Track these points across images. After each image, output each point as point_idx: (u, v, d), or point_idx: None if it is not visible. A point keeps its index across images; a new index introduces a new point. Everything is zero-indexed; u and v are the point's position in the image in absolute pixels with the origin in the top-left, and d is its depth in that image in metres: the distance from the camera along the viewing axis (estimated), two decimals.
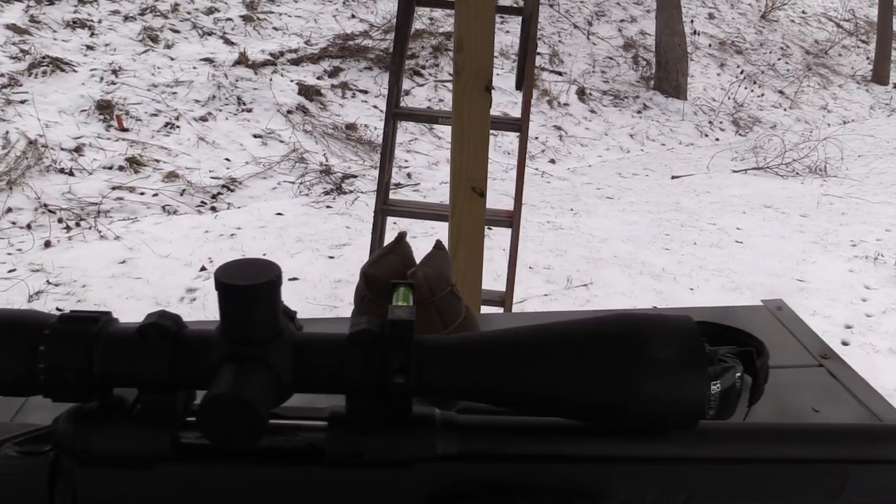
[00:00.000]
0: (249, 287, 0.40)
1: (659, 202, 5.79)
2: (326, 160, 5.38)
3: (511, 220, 2.37)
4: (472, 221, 2.18)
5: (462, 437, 0.44)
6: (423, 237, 4.41)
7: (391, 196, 2.31)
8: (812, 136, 7.58)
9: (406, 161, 5.87)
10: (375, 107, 6.30)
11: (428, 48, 7.07)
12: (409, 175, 5.74)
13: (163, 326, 0.41)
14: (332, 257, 4.20)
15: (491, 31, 1.88)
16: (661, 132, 7.69)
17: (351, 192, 5.21)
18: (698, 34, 9.46)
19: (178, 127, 5.21)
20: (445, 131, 6.24)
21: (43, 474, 0.43)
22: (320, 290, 3.77)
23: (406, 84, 6.71)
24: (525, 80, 2.09)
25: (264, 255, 4.06)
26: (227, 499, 0.44)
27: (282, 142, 5.44)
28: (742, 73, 9.10)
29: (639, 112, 7.90)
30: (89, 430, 0.43)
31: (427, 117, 2.52)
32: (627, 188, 6.12)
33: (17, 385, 0.42)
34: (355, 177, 5.41)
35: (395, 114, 2.11)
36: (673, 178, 6.48)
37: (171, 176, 4.76)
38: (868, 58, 10.27)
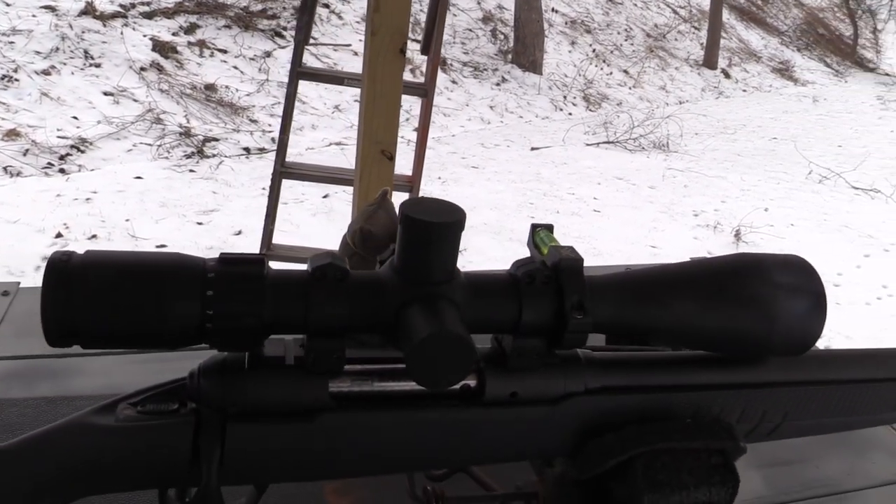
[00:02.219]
0: (442, 224, 0.39)
1: (521, 172, 6.00)
2: (188, 122, 5.09)
3: (411, 184, 2.37)
4: (381, 185, 2.16)
5: (605, 373, 0.46)
6: (307, 201, 4.31)
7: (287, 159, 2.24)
8: (654, 114, 8.12)
9: (270, 126, 5.68)
10: (236, 67, 6.03)
11: (290, 9, 6.83)
12: (273, 140, 5.55)
13: (339, 267, 0.40)
14: (200, 223, 4.01)
15: None
16: (519, 105, 7.93)
17: (214, 155, 4.98)
18: (556, 11, 9.79)
19: (16, 80, 4.72)
20: (310, 96, 6.08)
21: (186, 434, 0.40)
22: None
23: (267, 45, 6.47)
24: (433, 44, 2.09)
25: (127, 220, 3.82)
26: (382, 446, 0.43)
27: (136, 101, 5.08)
28: (594, 51, 9.54)
29: (497, 84, 8.09)
30: (242, 382, 0.41)
31: (332, 78, 2.46)
32: (491, 158, 6.29)
33: (181, 335, 0.38)
34: (217, 140, 5.17)
35: (300, 73, 2.05)
36: (532, 149, 6.73)
37: (12, 134, 4.31)
38: (701, 43, 11.10)
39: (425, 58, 2.57)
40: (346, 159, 5.27)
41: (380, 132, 2.07)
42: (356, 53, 6.94)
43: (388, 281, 0.41)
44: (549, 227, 0.48)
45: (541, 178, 5.92)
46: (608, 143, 7.16)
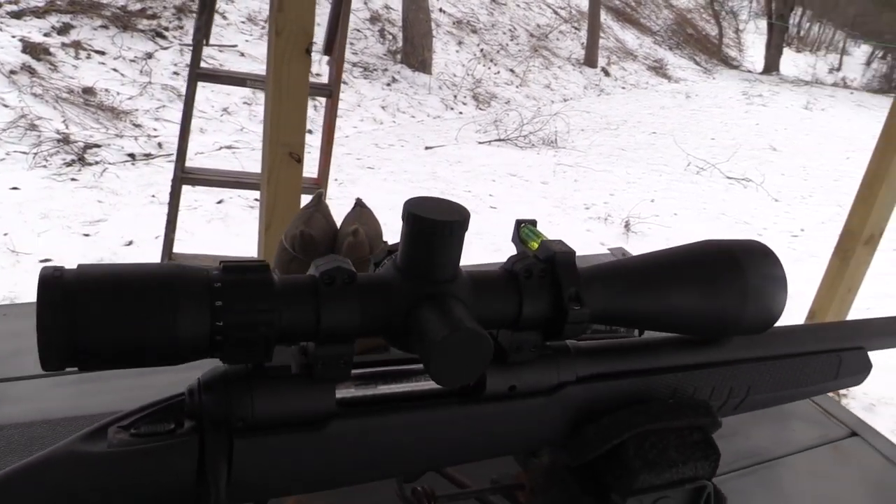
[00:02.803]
0: (449, 223, 0.40)
1: (417, 172, 6.03)
2: (66, 127, 4.80)
3: (318, 186, 2.35)
4: (290, 188, 2.13)
5: (593, 361, 0.48)
6: (200, 208, 4.16)
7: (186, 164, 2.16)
8: (542, 112, 8.35)
9: (155, 130, 5.44)
10: (115, 70, 5.73)
11: (171, 8, 6.56)
12: (160, 145, 5.33)
13: (347, 271, 0.39)
14: (87, 235, 3.80)
15: None
16: (411, 105, 7.95)
17: (97, 162, 4.72)
18: (443, 12, 9.88)
19: None
20: (196, 99, 5.86)
21: (189, 454, 0.38)
22: None
23: (148, 46, 6.19)
24: (337, 43, 2.07)
25: (5, 234, 3.56)
26: (390, 449, 0.43)
27: (6, 106, 4.74)
28: (481, 51, 9.70)
29: (388, 85, 8.08)
30: (247, 395, 0.39)
31: (234, 79, 2.38)
32: (386, 158, 6.28)
33: (191, 350, 0.36)
34: (99, 146, 4.91)
35: (199, 74, 1.97)
36: (426, 148, 6.77)
37: None
38: (581, 43, 11.50)
39: (326, 58, 2.53)
40: (238, 163, 5.12)
41: (287, 134, 2.03)
42: (242, 54, 6.76)
43: (394, 282, 0.41)
44: (533, 223, 0.50)
45: (437, 176, 5.97)
46: (499, 140, 7.30)
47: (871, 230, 3.07)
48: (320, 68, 5.59)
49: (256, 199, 4.35)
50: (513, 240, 0.49)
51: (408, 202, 0.41)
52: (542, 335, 0.45)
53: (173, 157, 5.21)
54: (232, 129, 5.79)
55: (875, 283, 3.50)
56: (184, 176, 2.15)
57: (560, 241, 0.46)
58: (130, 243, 3.73)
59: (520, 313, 0.43)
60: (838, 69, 17.76)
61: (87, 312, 0.35)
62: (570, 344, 0.49)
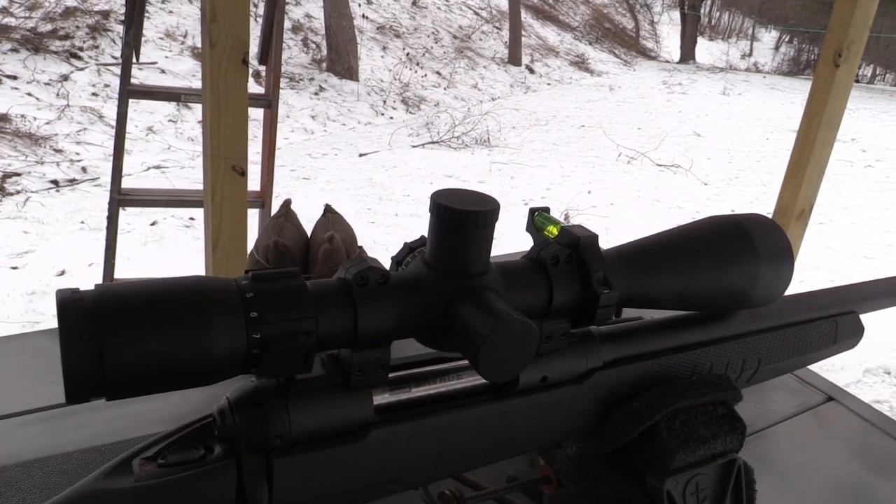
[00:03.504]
0: (481, 213, 0.38)
1: (353, 179, 5.98)
2: None
3: (262, 199, 2.30)
4: (235, 202, 2.07)
5: (616, 345, 0.48)
6: (134, 231, 4.02)
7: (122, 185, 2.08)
8: (472, 112, 8.40)
9: (78, 154, 5.24)
10: (30, 94, 5.50)
11: (84, 28, 6.33)
12: (84, 169, 5.14)
13: (379, 271, 0.37)
14: (15, 268, 3.63)
15: None
16: (341, 112, 7.89)
17: (18, 192, 4.51)
18: (366, 18, 9.84)
19: None
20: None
21: (227, 480, 0.36)
22: (11, 306, 3.25)
23: (63, 68, 5.96)
24: (273, 52, 2.03)
25: None
26: (429, 453, 0.41)
27: None
28: (407, 55, 9.69)
29: (316, 94, 8.00)
30: (284, 410, 0.37)
31: (168, 95, 2.30)
32: (321, 168, 6.21)
33: (229, 366, 0.34)
34: (20, 175, 4.70)
35: (130, 91, 1.90)
36: (360, 155, 6.72)
37: None
38: (504, 42, 11.63)
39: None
40: (168, 182, 4.98)
41: (228, 147, 1.98)
42: (164, 71, 6.58)
43: (427, 279, 0.39)
44: (546, 210, 0.49)
45: (374, 182, 5.94)
46: (433, 143, 7.31)
47: (802, 205, 3.19)
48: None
49: (192, 218, 4.24)
50: (527, 229, 0.48)
51: (435, 194, 0.39)
52: (570, 323, 0.44)
53: (100, 182, 5.05)
54: (159, 149, 5.62)
55: (804, 255, 3.64)
56: (121, 198, 2.07)
57: (580, 226, 0.45)
58: (63, 273, 3.58)
59: (550, 301, 0.42)
60: (750, 55, 18.47)
61: (115, 335, 0.32)
62: (594, 329, 0.48)
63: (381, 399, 0.41)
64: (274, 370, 0.35)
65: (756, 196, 6.11)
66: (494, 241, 0.40)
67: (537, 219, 0.47)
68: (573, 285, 0.42)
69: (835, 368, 3.39)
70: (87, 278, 3.48)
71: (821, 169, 3.21)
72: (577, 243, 0.43)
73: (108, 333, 0.31)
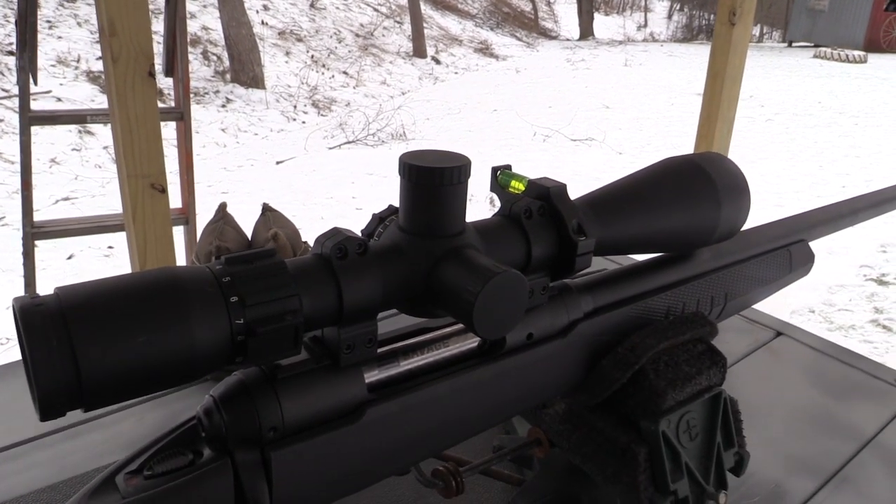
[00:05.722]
0: (454, 169, 0.37)
1: (273, 188, 5.88)
2: None
3: (185, 215, 2.23)
4: (158, 221, 2.00)
5: (593, 294, 0.47)
6: (49, 267, 3.84)
7: (35, 217, 1.98)
8: (384, 108, 8.35)
9: None
10: None
11: None
12: None
13: (357, 240, 0.36)
14: None
15: (145, 7, 1.73)
16: (251, 122, 7.73)
17: None
18: (266, 24, 9.65)
19: None
20: (17, 154, 5.40)
21: (223, 483, 0.33)
22: None
23: None
24: (179, 62, 1.96)
25: None
26: (426, 426, 0.40)
27: None
28: (312, 58, 9.56)
29: (223, 106, 7.81)
30: (274, 401, 0.35)
31: (72, 118, 2.19)
32: (238, 180, 6.07)
33: (214, 358, 0.32)
34: None
35: (32, 118, 1.80)
36: (278, 163, 6.61)
37: None
38: (407, 36, 11.61)
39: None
40: (80, 213, 4.77)
41: (145, 165, 1.90)
42: (59, 99, 6.30)
43: (407, 244, 0.38)
44: (508, 167, 0.48)
45: (295, 189, 5.85)
46: (349, 143, 7.25)
47: None
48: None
49: (111, 247, 4.08)
50: (492, 189, 0.47)
51: (404, 155, 0.38)
52: (549, 276, 0.43)
53: (6, 220, 4.80)
54: (65, 180, 5.38)
55: None
56: (35, 231, 1.96)
57: (547, 178, 0.44)
58: None
59: (529, 255, 0.41)
60: (645, 26, 19.02)
61: (88, 338, 0.29)
62: (571, 282, 0.48)
63: (371, 376, 0.39)
64: (262, 355, 0.33)
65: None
66: None
67: (501, 177, 0.46)
68: (549, 236, 0.42)
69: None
70: (3, 323, 3.31)
71: (729, 124, 3.34)
72: (548, 194, 0.43)
73: (81, 337, 0.29)
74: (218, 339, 0.31)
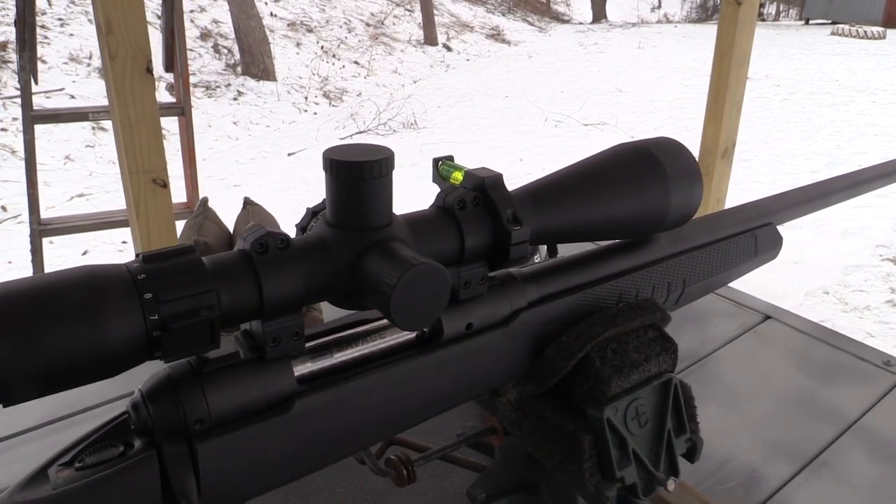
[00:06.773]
0: (374, 162, 0.37)
1: (286, 180, 5.90)
2: None
3: (190, 210, 2.25)
4: (161, 216, 2.02)
5: (539, 283, 0.47)
6: (66, 263, 3.89)
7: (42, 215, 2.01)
8: (395, 97, 8.35)
9: None
10: None
11: None
12: (3, 208, 4.95)
13: (278, 235, 0.36)
14: None
15: (141, 5, 1.75)
16: (263, 115, 7.76)
17: None
18: (275, 16, 9.66)
19: None
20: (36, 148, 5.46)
21: (150, 474, 0.34)
22: None
23: None
24: (178, 58, 1.97)
25: None
26: (359, 417, 0.41)
27: None
28: (322, 48, 9.57)
29: (235, 99, 7.84)
30: (200, 394, 0.36)
31: (74, 115, 2.22)
32: (250, 173, 6.11)
33: (130, 354, 0.32)
34: None
35: (35, 117, 1.83)
36: (289, 155, 6.63)
37: None
38: (417, 24, 11.58)
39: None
40: (95, 209, 4.82)
41: (146, 160, 1.92)
42: (73, 97, 6.36)
43: (330, 237, 0.38)
44: (451, 158, 0.48)
45: (306, 180, 5.87)
46: (360, 133, 7.26)
47: (725, 144, 3.27)
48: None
49: (124, 242, 4.12)
50: (434, 180, 0.47)
51: (327, 151, 0.39)
52: (487, 266, 0.43)
53: (22, 218, 4.86)
54: (79, 177, 5.45)
55: (733, 193, 3.74)
56: (42, 228, 1.99)
57: (484, 168, 0.44)
58: None
59: (463, 246, 0.41)
60: (659, 7, 18.80)
61: (3, 338, 0.30)
62: (515, 271, 0.48)
63: (303, 368, 0.40)
64: (178, 350, 0.34)
65: (683, 142, 6.24)
66: None
67: (442, 168, 0.46)
68: (483, 226, 0.42)
69: (777, 296, 3.50)
70: None
71: (737, 106, 3.30)
72: (483, 184, 0.43)
73: None
74: (132, 335, 0.32)
